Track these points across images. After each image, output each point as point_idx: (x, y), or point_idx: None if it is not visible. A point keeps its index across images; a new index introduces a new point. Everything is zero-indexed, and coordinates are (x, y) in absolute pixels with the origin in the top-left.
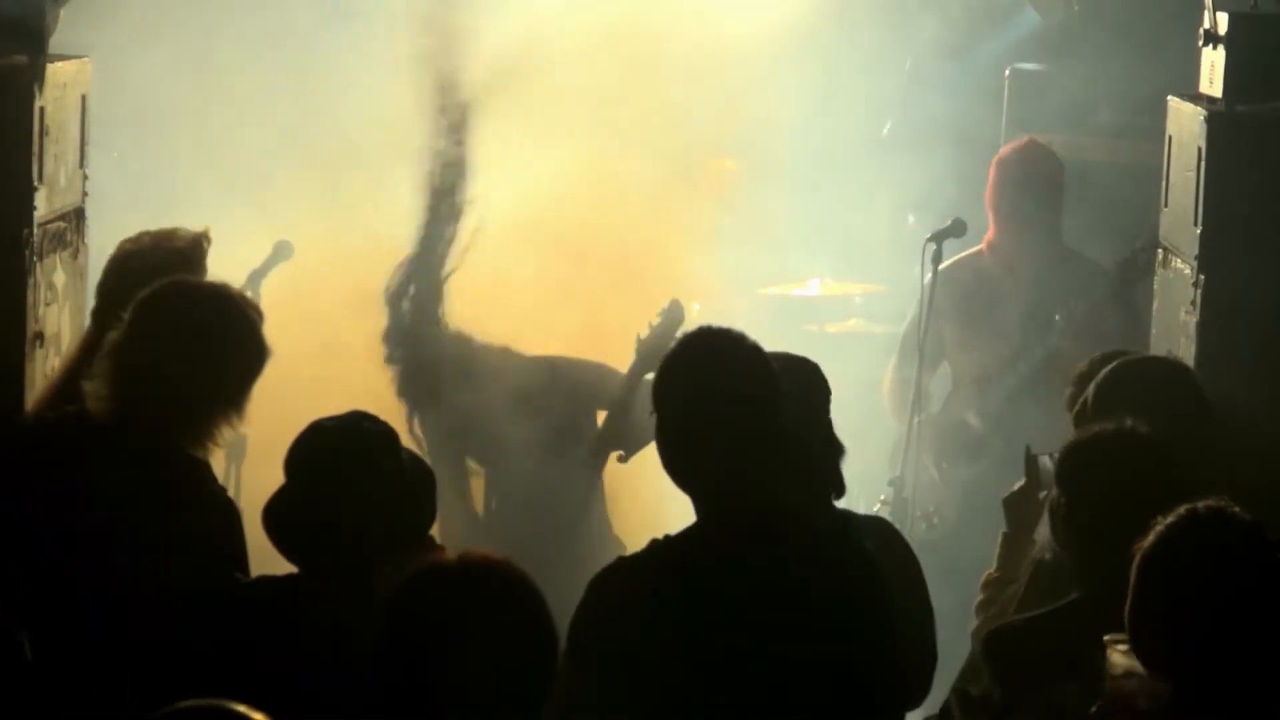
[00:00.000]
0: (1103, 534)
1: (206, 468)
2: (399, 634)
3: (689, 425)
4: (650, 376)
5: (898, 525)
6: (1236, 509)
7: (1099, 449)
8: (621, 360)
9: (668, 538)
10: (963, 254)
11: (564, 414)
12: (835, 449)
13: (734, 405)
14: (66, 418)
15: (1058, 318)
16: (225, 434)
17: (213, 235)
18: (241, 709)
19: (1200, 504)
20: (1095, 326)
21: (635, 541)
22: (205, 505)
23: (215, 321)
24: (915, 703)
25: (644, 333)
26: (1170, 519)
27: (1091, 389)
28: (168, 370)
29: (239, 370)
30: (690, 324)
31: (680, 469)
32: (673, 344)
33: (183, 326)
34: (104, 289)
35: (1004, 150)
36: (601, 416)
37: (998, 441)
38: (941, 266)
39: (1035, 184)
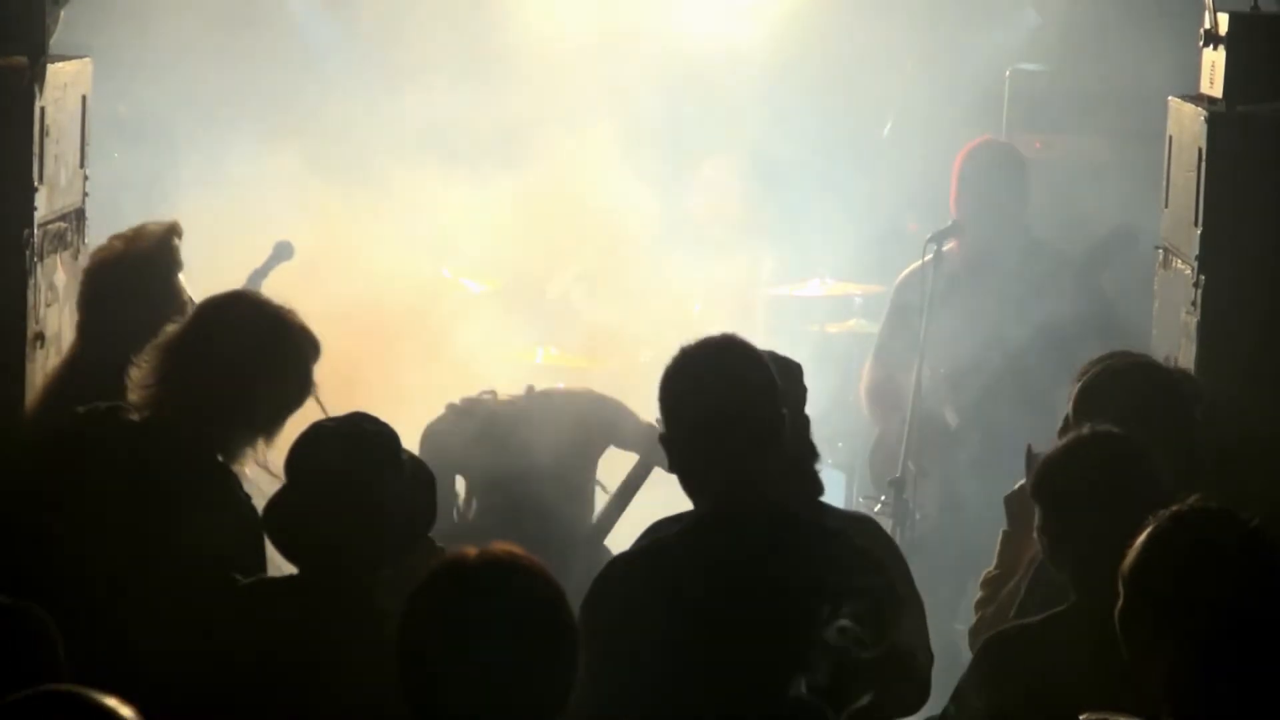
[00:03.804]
0: (1080, 544)
1: (233, 474)
2: (420, 628)
3: (695, 438)
4: None
5: (898, 527)
6: (1222, 506)
7: (1058, 462)
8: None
9: (663, 534)
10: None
11: (576, 446)
12: (810, 451)
13: (740, 419)
14: (95, 413)
15: (1028, 311)
16: (250, 456)
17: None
18: (109, 702)
19: (1184, 506)
20: (1067, 318)
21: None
22: (229, 510)
23: (269, 346)
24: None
25: None
26: (1154, 523)
27: (1073, 394)
28: (212, 381)
29: (280, 399)
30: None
31: (688, 472)
32: (677, 353)
33: (238, 343)
34: (81, 302)
35: (962, 151)
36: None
37: (974, 436)
38: (912, 267)
39: (994, 181)
